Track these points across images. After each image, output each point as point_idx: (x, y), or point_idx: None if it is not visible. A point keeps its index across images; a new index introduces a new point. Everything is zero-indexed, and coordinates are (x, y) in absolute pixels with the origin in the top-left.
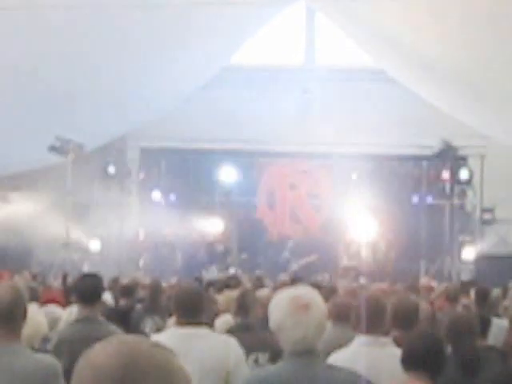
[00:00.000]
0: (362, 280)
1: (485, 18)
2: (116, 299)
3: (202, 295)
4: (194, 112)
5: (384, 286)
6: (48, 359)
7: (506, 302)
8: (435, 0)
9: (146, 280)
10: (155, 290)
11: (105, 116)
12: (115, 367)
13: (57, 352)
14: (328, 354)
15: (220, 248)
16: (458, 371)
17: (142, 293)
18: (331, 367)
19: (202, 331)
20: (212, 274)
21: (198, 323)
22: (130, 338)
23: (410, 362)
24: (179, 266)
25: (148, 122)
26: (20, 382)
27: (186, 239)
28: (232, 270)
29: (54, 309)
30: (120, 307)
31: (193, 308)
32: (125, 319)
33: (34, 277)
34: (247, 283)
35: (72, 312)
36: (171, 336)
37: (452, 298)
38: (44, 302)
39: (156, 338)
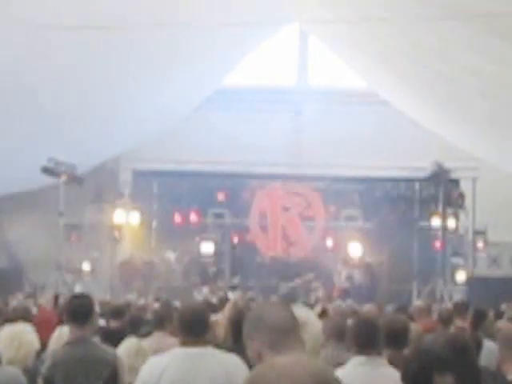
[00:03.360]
0: (349, 301)
1: (480, 39)
2: (107, 322)
3: (206, 314)
4: (186, 134)
5: (372, 307)
6: (12, 371)
7: (500, 324)
8: (432, 25)
9: (140, 301)
10: (165, 311)
11: (97, 138)
12: None
13: (51, 374)
14: None
15: (212, 270)
16: None
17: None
18: None
19: (208, 351)
20: (203, 295)
21: (204, 342)
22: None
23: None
24: (171, 288)
25: (140, 144)
26: None
27: (179, 261)
28: (221, 293)
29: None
30: (112, 328)
31: (199, 327)
32: (117, 340)
33: (28, 297)
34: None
35: (62, 332)
36: (177, 356)
37: (445, 319)
38: (37, 322)
39: (159, 357)
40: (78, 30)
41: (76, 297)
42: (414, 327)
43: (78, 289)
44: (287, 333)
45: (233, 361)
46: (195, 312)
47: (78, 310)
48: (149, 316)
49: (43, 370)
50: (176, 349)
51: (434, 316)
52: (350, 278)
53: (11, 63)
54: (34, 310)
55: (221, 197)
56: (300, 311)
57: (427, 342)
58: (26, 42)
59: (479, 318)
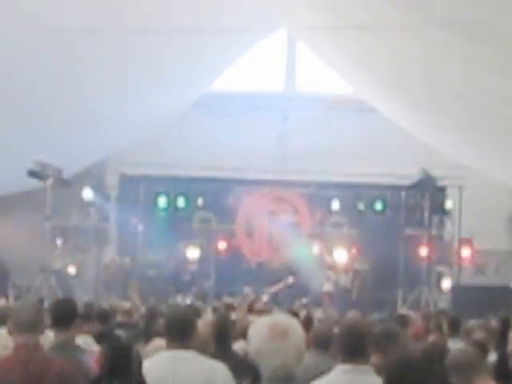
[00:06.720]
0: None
1: (467, 51)
2: (92, 325)
3: (192, 319)
4: (173, 138)
5: (356, 314)
6: None
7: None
8: (417, 32)
9: (126, 305)
10: (151, 315)
11: (84, 141)
12: None
13: None
14: (307, 381)
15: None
16: None
17: (120, 318)
18: None
19: (190, 354)
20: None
21: (187, 347)
22: None
23: None
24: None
25: (127, 147)
26: None
27: (163, 266)
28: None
29: None
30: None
31: (182, 331)
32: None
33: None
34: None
35: (47, 336)
36: (160, 359)
37: (426, 327)
38: None
39: (146, 362)
40: (64, 35)
41: (60, 301)
42: (403, 334)
43: (62, 292)
44: (23, 326)
45: (212, 365)
46: (179, 317)
47: (62, 315)
48: (135, 319)
49: None
50: (161, 352)
51: (418, 323)
52: (334, 284)
53: None
54: None
55: (207, 202)
56: (283, 319)
57: (410, 353)
58: (13, 44)
59: (454, 327)
